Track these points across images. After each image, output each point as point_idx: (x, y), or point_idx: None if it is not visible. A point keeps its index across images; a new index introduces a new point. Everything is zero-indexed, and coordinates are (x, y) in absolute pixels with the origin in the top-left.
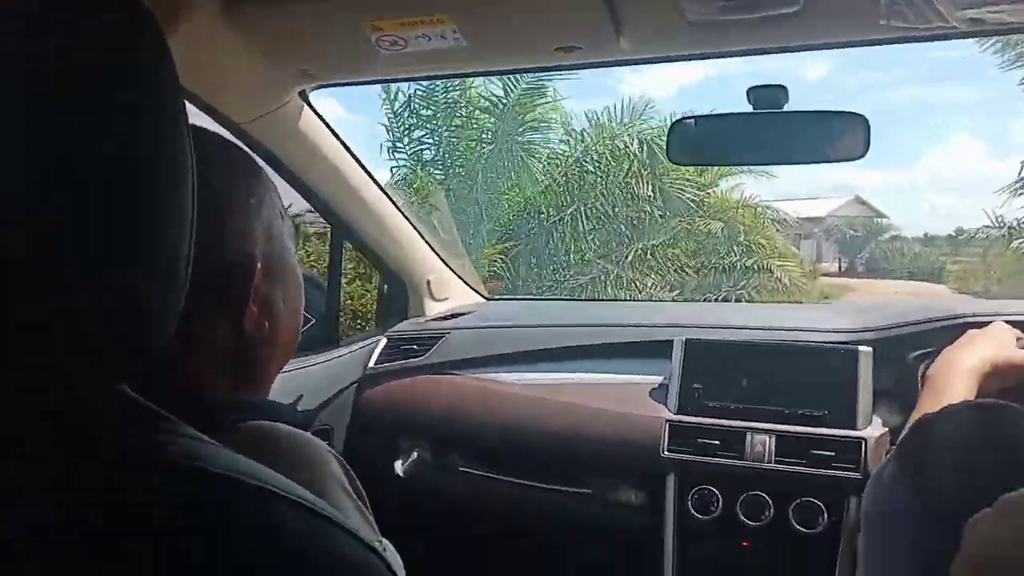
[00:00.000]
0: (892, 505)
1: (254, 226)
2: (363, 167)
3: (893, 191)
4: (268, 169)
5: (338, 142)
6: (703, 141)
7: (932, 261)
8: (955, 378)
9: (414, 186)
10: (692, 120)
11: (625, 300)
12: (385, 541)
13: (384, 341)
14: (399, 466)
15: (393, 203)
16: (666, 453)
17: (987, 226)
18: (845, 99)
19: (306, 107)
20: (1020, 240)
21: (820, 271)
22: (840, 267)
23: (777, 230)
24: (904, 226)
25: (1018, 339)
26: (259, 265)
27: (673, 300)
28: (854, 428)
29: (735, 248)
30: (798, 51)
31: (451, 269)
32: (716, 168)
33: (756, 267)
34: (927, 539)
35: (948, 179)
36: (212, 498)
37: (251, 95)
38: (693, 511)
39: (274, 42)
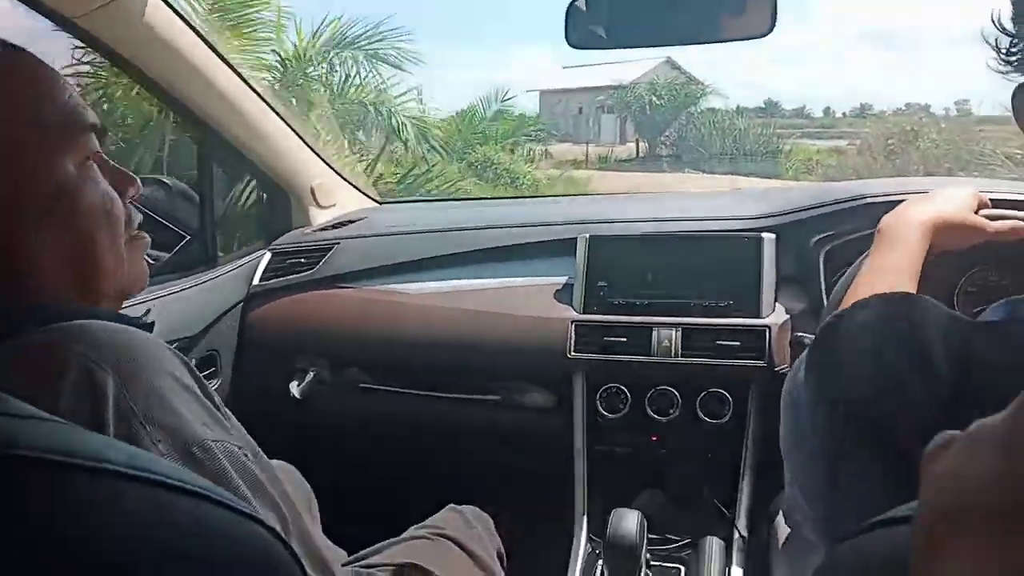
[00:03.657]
0: (801, 400)
1: None
2: (227, 62)
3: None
4: None
5: (196, 36)
6: (602, 21)
7: (763, 139)
8: (908, 231)
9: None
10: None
11: (526, 197)
12: (279, 463)
13: (268, 256)
14: (295, 387)
15: (265, 102)
16: (572, 354)
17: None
18: None
19: None
20: None
21: (594, 160)
22: (638, 151)
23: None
24: (723, 93)
25: (981, 206)
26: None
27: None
28: (758, 316)
29: None
30: None
31: (337, 172)
32: None
33: None
34: (835, 436)
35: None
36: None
37: None
38: (602, 410)
39: None
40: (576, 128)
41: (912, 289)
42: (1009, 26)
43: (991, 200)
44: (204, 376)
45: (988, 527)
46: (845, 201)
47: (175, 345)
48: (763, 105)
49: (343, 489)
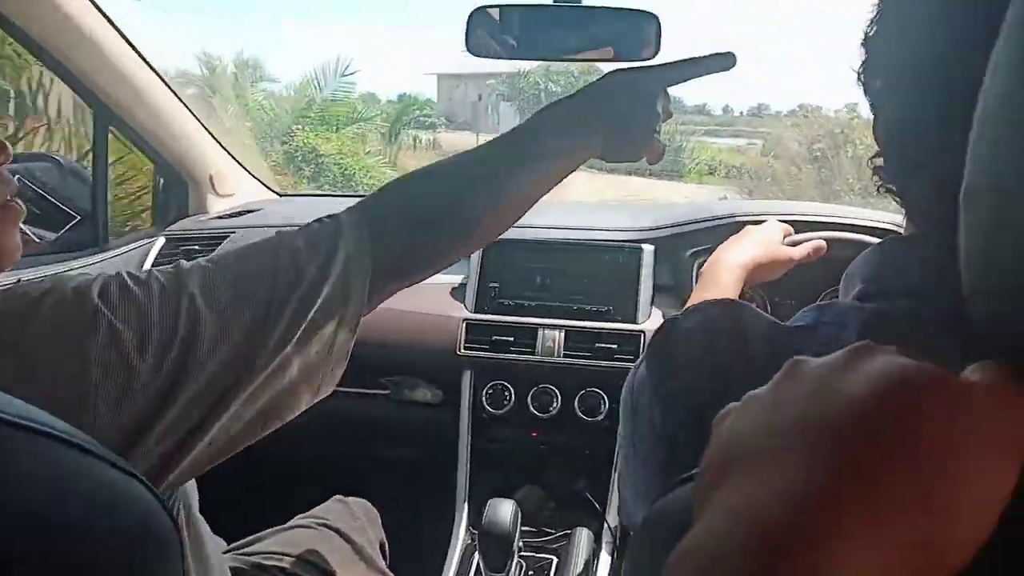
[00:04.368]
0: (640, 400)
1: None
2: (130, 43)
3: None
4: None
5: (96, 10)
6: (502, 32)
7: (666, 136)
8: (723, 273)
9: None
10: (489, 9)
11: None
12: None
13: (162, 241)
14: None
15: (167, 85)
16: (462, 350)
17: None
18: None
19: None
20: None
21: None
22: None
23: None
24: None
25: (786, 235)
26: None
27: None
28: (635, 321)
29: None
30: None
31: (238, 162)
32: None
33: None
34: (672, 430)
35: None
36: None
37: None
38: (487, 406)
39: None
40: (475, 116)
41: None
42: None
43: (794, 223)
44: None
45: (748, 468)
46: (719, 219)
47: None
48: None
49: (229, 478)
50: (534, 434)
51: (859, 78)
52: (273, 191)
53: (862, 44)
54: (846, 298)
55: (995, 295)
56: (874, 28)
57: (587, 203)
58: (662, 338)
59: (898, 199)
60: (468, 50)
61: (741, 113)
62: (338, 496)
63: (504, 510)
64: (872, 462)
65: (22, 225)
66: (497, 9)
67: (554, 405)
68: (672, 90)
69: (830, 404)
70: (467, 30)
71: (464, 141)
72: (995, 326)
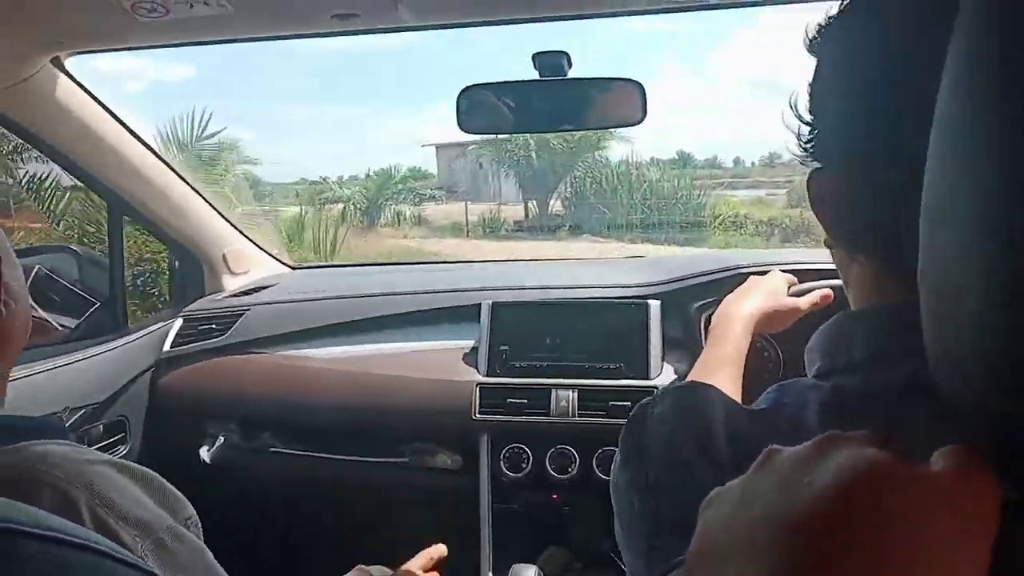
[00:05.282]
0: (620, 485)
1: None
2: (138, 137)
3: None
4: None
5: (105, 112)
6: (492, 109)
7: (680, 193)
8: (731, 327)
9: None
10: (480, 87)
11: (434, 264)
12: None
13: (179, 322)
14: (205, 452)
15: (176, 172)
16: (477, 415)
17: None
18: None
19: (62, 76)
20: None
21: (488, 222)
22: (527, 213)
23: None
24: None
25: (790, 286)
26: None
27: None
28: (647, 377)
29: None
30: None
31: (249, 239)
32: None
33: None
34: (646, 516)
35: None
36: None
37: None
38: (505, 470)
39: (12, 9)
40: (476, 185)
41: (736, 377)
42: (806, 115)
43: (797, 272)
44: (113, 442)
45: (721, 562)
46: (721, 271)
47: (82, 412)
48: (676, 156)
49: (254, 552)
50: (555, 496)
51: (809, 154)
52: (286, 265)
53: (807, 124)
54: (810, 371)
55: (952, 376)
56: (823, 103)
57: (585, 259)
58: (634, 425)
59: (874, 262)
60: (461, 128)
61: (753, 164)
62: (361, 566)
63: (526, 575)
64: (839, 556)
65: (46, 314)
66: (489, 87)
67: (572, 466)
68: (681, 145)
69: (797, 499)
70: (458, 110)
71: (454, 210)
72: (955, 404)
